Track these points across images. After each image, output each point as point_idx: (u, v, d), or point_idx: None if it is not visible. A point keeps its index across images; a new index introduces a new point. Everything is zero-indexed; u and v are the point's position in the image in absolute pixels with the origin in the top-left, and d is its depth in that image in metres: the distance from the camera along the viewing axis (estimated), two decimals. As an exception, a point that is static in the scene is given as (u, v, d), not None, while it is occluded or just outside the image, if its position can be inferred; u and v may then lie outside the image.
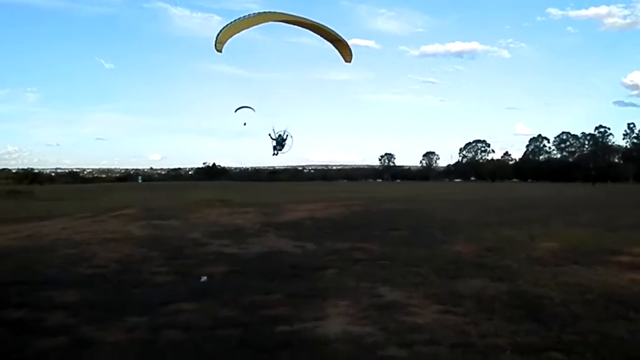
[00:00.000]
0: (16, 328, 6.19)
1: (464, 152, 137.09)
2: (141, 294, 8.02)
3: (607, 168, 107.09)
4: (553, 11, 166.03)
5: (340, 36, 11.61)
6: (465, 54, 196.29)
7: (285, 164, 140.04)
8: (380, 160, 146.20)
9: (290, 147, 12.49)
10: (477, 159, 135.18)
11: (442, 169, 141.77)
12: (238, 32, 10.44)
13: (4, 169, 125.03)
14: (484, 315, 6.51)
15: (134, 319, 6.53)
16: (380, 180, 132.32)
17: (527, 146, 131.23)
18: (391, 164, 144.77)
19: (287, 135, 12.41)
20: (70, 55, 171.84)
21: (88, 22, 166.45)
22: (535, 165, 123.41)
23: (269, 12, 10.75)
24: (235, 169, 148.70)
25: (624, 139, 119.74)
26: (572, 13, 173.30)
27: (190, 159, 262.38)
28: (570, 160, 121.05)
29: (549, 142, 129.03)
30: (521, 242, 12.91)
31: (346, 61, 12.03)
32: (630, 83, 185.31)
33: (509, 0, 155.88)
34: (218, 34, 10.23)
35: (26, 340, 5.71)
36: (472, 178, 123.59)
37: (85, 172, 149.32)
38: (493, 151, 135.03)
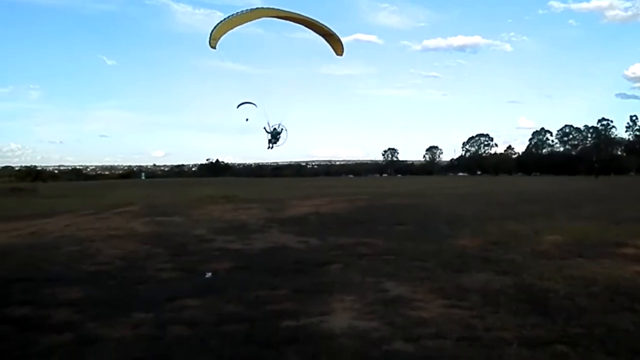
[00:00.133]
0: (20, 325, 6.18)
1: (467, 147, 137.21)
2: (146, 290, 8.02)
3: (610, 161, 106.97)
4: (555, 4, 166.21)
5: (332, 30, 11.78)
6: (467, 48, 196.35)
7: (289, 160, 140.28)
8: (383, 155, 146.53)
9: (285, 140, 12.51)
10: (480, 153, 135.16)
11: (445, 163, 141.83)
12: (231, 28, 10.48)
13: (7, 167, 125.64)
14: (489, 309, 6.49)
15: (139, 315, 6.53)
16: (385, 175, 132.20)
17: (530, 140, 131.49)
18: (394, 159, 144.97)
19: (281, 129, 12.42)
20: (72, 53, 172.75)
21: (90, 19, 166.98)
22: (538, 159, 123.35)
23: (261, 8, 10.81)
24: (239, 165, 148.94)
25: (626, 131, 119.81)
26: (574, 6, 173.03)
27: (194, 155, 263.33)
28: (573, 153, 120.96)
29: (551, 135, 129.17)
30: (526, 235, 12.88)
31: (337, 54, 12.17)
32: (633, 75, 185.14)
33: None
34: (212, 31, 10.27)
35: (31, 338, 5.70)
36: (478, 172, 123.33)
37: (88, 169, 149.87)
38: (496, 145, 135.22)
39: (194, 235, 14.40)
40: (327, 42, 11.89)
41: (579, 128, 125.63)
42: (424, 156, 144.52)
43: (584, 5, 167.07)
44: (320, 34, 11.76)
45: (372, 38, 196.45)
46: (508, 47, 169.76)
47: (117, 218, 19.28)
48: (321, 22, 11.57)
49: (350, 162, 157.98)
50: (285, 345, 5.33)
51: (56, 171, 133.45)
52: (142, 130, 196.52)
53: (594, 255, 10.05)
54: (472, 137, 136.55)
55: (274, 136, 12.44)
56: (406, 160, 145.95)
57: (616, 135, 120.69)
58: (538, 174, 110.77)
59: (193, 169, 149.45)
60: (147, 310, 6.72)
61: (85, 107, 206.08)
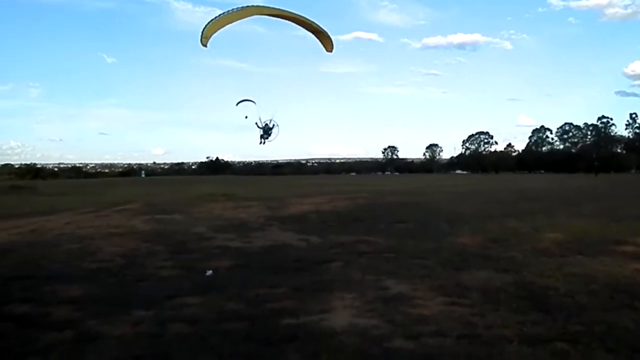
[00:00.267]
0: (21, 322, 6.18)
1: (467, 144, 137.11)
2: (146, 288, 8.02)
3: (610, 158, 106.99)
4: (554, 2, 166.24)
5: (321, 27, 11.90)
6: (467, 45, 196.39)
7: (289, 158, 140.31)
8: (383, 153, 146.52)
9: (277, 135, 12.57)
10: (480, 150, 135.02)
11: (445, 161, 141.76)
12: (223, 26, 10.54)
13: (6, 164, 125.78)
14: (489, 307, 6.49)
15: (139, 312, 6.53)
16: (387, 172, 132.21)
17: (530, 137, 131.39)
18: (394, 157, 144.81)
19: (273, 124, 12.50)
20: (72, 50, 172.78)
21: (90, 16, 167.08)
22: (538, 157, 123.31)
23: (252, 6, 10.81)
24: (239, 163, 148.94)
25: (626, 129, 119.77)
26: (574, 4, 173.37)
27: (194, 153, 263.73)
28: (573, 151, 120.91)
29: (551, 133, 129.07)
30: (526, 233, 12.88)
31: (327, 51, 12.29)
32: (632, 73, 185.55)
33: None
34: (203, 29, 10.32)
35: (31, 335, 5.70)
36: (477, 170, 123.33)
37: (88, 167, 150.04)
38: (496, 143, 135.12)
39: (194, 233, 14.41)
40: (318, 38, 12.01)
41: (579, 126, 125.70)
42: (424, 154, 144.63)
43: (584, 3, 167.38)
44: (310, 31, 11.86)
45: (372, 36, 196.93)
46: (508, 44, 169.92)
47: (117, 216, 19.29)
48: (311, 19, 11.69)
49: (350, 160, 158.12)
50: (286, 343, 5.33)
51: (56, 169, 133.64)
52: (142, 128, 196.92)
53: (594, 252, 10.05)
54: (472, 135, 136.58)
55: (266, 131, 12.54)
56: (406, 158, 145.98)
57: (616, 132, 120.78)
58: (542, 171, 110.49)
59: (193, 166, 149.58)
60: (148, 307, 6.73)
61: (85, 104, 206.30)
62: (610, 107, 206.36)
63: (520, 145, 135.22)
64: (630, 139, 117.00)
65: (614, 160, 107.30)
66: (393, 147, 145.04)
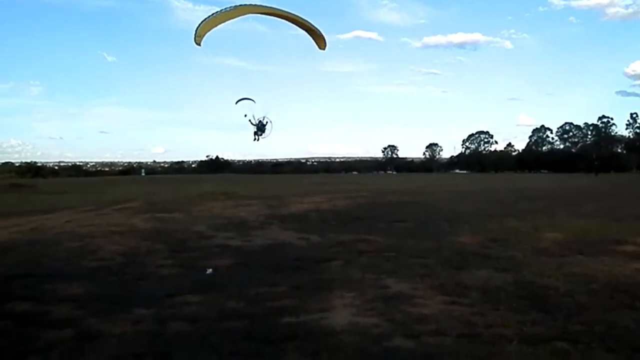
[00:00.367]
0: (21, 321, 6.19)
1: (467, 144, 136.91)
2: (147, 286, 8.03)
3: (610, 158, 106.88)
4: (555, 1, 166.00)
5: (314, 26, 11.98)
6: (467, 45, 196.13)
7: (289, 157, 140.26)
8: (383, 152, 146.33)
9: (270, 131, 12.70)
10: (480, 150, 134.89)
11: (445, 160, 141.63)
12: (216, 25, 10.61)
13: (7, 163, 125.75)
14: (489, 306, 6.50)
15: (140, 311, 6.54)
16: (389, 172, 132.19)
17: (530, 137, 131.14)
18: (394, 156, 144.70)
19: (266, 121, 12.65)
20: (73, 49, 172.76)
21: (90, 15, 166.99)
22: (538, 156, 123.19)
23: (245, 5, 10.85)
24: (239, 161, 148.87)
25: (627, 128, 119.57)
26: (574, 3, 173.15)
27: (193, 152, 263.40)
28: (573, 150, 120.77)
29: (551, 132, 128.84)
30: (526, 233, 12.88)
31: (320, 49, 12.41)
32: (633, 73, 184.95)
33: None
34: (197, 28, 10.37)
35: (32, 333, 5.71)
36: (476, 169, 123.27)
37: (88, 166, 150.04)
38: (496, 142, 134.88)
39: (194, 231, 14.41)
40: (311, 37, 12.12)
41: (579, 125, 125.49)
42: (424, 153, 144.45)
43: (585, 2, 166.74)
44: (303, 29, 11.95)
45: (373, 35, 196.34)
46: (508, 44, 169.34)
47: (118, 214, 19.29)
48: (304, 17, 11.78)
49: (350, 159, 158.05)
50: (286, 341, 5.33)
51: (56, 167, 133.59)
52: (142, 127, 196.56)
53: (594, 252, 10.05)
54: (472, 135, 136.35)
55: (260, 128, 12.65)
56: (406, 157, 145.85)
57: (616, 132, 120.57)
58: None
59: (193, 165, 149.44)
60: (148, 306, 6.74)
61: (86, 103, 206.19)
62: (611, 107, 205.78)
63: (520, 145, 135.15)
64: (631, 139, 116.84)
65: (615, 160, 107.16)
66: (393, 146, 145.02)
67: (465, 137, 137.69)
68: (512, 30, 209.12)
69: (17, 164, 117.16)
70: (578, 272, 8.36)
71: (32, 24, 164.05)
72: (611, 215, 16.40)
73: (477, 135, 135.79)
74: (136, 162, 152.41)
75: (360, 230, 14.09)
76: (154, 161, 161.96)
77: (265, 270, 9.00)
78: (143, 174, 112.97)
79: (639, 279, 7.92)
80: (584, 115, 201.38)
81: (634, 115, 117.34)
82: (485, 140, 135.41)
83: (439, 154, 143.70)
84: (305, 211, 19.63)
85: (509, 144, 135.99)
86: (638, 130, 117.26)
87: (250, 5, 10.94)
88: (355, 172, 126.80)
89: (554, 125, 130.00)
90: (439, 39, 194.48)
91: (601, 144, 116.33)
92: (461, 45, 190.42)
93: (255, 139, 12.78)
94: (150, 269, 9.34)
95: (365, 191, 32.45)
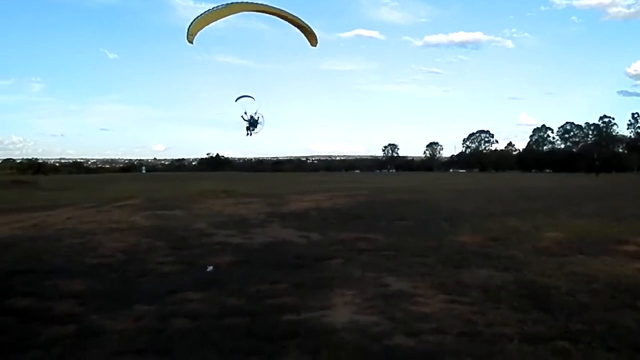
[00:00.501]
0: (23, 317, 6.21)
1: (468, 143, 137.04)
2: (148, 283, 8.05)
3: (612, 158, 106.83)
4: (557, 1, 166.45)
5: (305, 23, 12.06)
6: (469, 44, 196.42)
7: (289, 155, 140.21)
8: (384, 151, 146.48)
9: (263, 127, 12.81)
10: (480, 149, 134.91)
11: (446, 159, 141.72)
12: (208, 24, 10.68)
13: (8, 160, 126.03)
14: (490, 305, 6.50)
15: (141, 308, 6.55)
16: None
17: (531, 137, 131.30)
18: (395, 155, 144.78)
19: (259, 117, 12.76)
20: (75, 46, 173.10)
21: (93, 12, 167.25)
22: (539, 156, 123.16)
23: (238, 3, 10.88)
24: (239, 159, 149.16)
25: (628, 129, 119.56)
26: (576, 3, 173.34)
27: (194, 149, 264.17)
28: (575, 150, 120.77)
29: (553, 132, 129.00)
30: (527, 232, 12.87)
31: (312, 46, 12.54)
32: (635, 73, 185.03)
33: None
34: (189, 26, 10.41)
35: (34, 329, 5.72)
36: (477, 169, 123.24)
37: (89, 163, 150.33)
38: (497, 142, 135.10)
39: (194, 229, 14.42)
40: (303, 34, 12.23)
41: (581, 125, 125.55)
42: (425, 152, 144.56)
43: (586, 2, 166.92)
44: (295, 26, 12.04)
45: (374, 34, 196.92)
46: (510, 43, 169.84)
47: (119, 211, 19.30)
48: (295, 15, 11.85)
49: (350, 158, 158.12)
50: (286, 339, 5.33)
51: (57, 164, 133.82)
52: (143, 125, 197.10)
53: (595, 252, 10.04)
54: (473, 134, 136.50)
55: (252, 124, 12.74)
56: (407, 156, 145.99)
57: (618, 132, 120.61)
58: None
59: (194, 163, 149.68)
60: (149, 303, 6.75)
61: (87, 100, 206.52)
62: (613, 107, 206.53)
63: (521, 145, 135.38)
64: (632, 139, 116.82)
65: (616, 160, 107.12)
66: (394, 145, 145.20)
67: (466, 136, 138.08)
68: (514, 30, 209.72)
69: (18, 161, 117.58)
70: (579, 271, 8.36)
71: (35, 21, 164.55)
72: (612, 215, 16.38)
73: (477, 135, 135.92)
74: (137, 160, 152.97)
75: (360, 228, 14.10)
76: (155, 159, 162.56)
77: (266, 268, 9.01)
78: (144, 172, 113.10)
79: (640, 279, 7.91)
80: (586, 115, 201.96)
81: (636, 116, 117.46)
82: (486, 139, 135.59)
83: (439, 153, 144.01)
84: (306, 209, 19.64)
85: (510, 144, 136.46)
86: (639, 131, 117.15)
87: (242, 3, 10.97)
88: (357, 171, 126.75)
89: (555, 125, 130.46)
90: (441, 38, 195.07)
91: (602, 144, 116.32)
92: (463, 45, 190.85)
93: (248, 134, 12.92)
94: (151, 266, 9.35)
95: (365, 190, 32.47)
